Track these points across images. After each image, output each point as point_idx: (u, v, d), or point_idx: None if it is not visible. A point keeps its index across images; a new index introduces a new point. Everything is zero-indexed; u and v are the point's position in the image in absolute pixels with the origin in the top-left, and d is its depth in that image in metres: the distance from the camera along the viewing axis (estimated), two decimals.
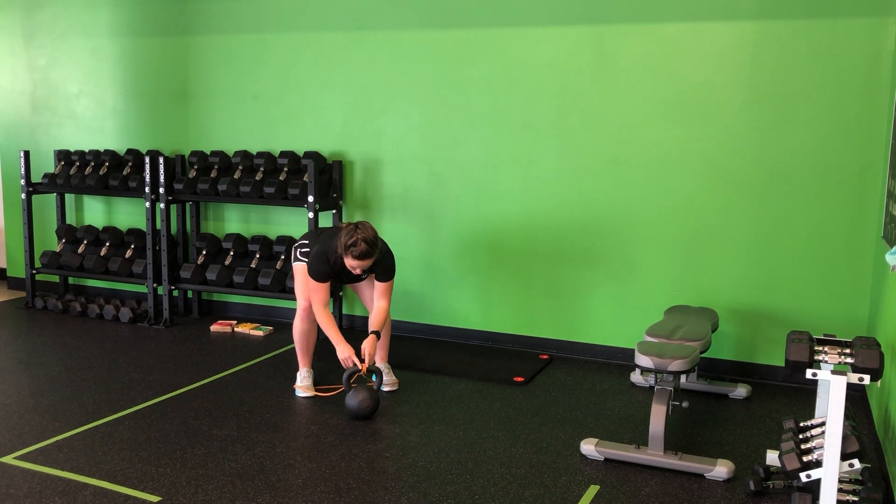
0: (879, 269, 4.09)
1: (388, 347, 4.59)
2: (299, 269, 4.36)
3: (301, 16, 5.64)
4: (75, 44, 6.42)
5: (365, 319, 5.71)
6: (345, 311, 5.82)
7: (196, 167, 5.95)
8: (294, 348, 5.18)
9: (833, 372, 2.84)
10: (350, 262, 4.06)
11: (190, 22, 5.99)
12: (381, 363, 4.54)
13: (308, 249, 4.34)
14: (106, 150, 6.26)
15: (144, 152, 6.19)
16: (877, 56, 4.31)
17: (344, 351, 4.16)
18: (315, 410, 4.16)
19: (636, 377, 4.65)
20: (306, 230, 5.71)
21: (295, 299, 5.47)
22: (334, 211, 5.67)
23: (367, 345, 4.18)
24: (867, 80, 4.35)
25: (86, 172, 6.20)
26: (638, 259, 4.94)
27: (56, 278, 6.74)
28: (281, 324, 5.87)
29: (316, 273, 4.16)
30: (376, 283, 4.28)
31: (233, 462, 3.52)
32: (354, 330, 5.71)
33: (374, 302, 4.31)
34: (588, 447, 3.62)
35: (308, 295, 4.30)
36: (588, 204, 5.02)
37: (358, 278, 4.37)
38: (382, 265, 4.23)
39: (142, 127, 6.29)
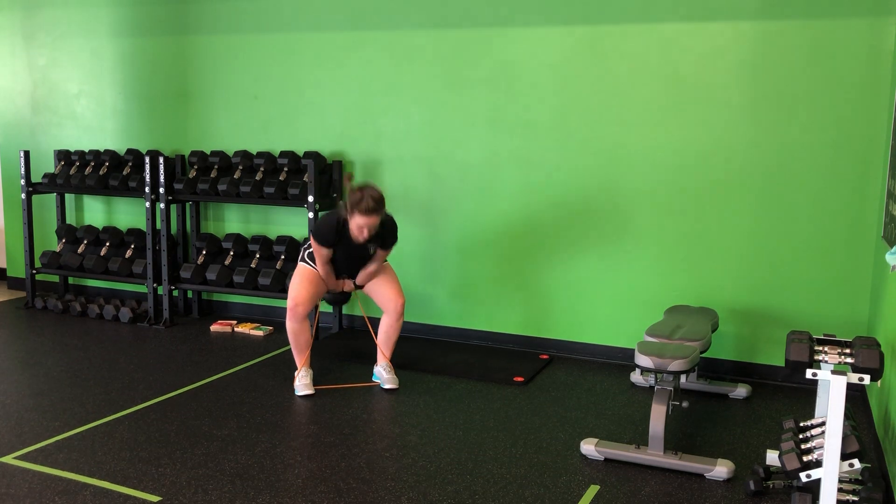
0: (879, 269, 4.09)
1: (393, 348, 4.59)
2: (298, 268, 4.38)
3: (301, 16, 5.64)
4: (75, 44, 6.42)
5: (371, 321, 5.72)
6: (345, 310, 5.82)
7: (196, 167, 5.95)
8: None
9: (833, 372, 2.84)
10: (357, 221, 4.07)
11: (190, 22, 5.99)
12: (383, 362, 4.54)
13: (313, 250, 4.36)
14: (106, 150, 6.26)
15: (144, 152, 6.19)
16: (877, 56, 4.31)
17: (328, 282, 4.43)
18: (315, 410, 4.16)
19: (636, 377, 4.65)
20: (306, 230, 5.71)
21: None
22: None
23: (346, 282, 4.48)
24: (867, 80, 4.34)
25: (86, 172, 6.20)
26: (638, 258, 4.94)
27: (56, 278, 6.74)
28: (281, 324, 5.87)
29: (322, 235, 4.21)
30: (378, 252, 4.35)
31: (233, 462, 3.52)
32: (354, 330, 5.71)
33: (368, 265, 4.41)
34: (588, 447, 3.62)
35: (296, 295, 4.32)
36: (588, 203, 5.02)
37: (362, 255, 4.35)
38: (388, 234, 4.30)
39: (142, 127, 6.29)
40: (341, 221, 4.19)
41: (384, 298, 4.45)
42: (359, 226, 4.10)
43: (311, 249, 4.39)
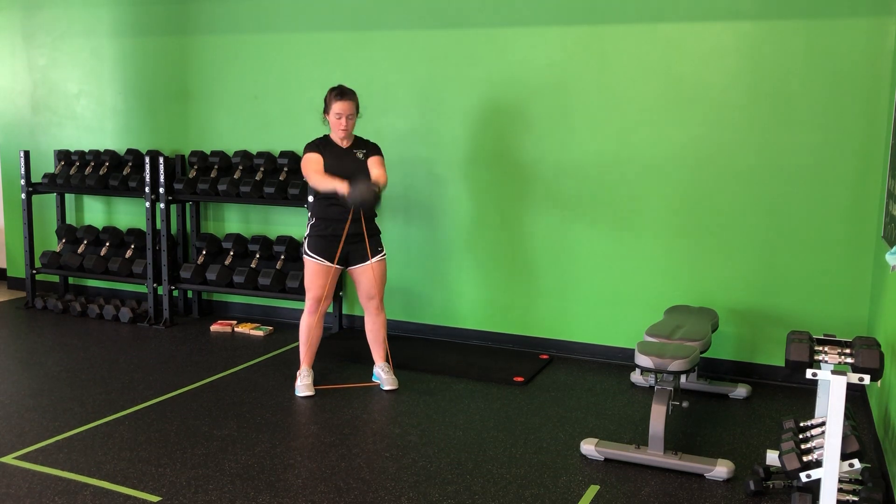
0: (879, 269, 4.09)
1: (387, 347, 4.59)
2: (306, 265, 4.37)
3: (301, 16, 5.64)
4: (75, 44, 6.42)
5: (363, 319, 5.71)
6: (345, 311, 5.82)
7: (196, 167, 5.95)
8: (296, 347, 5.20)
9: (833, 372, 2.84)
10: (336, 109, 4.24)
11: (190, 22, 5.99)
12: (380, 362, 4.54)
13: (309, 233, 4.36)
14: (106, 150, 6.26)
15: (144, 152, 6.19)
16: (877, 56, 4.31)
17: (344, 187, 4.04)
18: (315, 410, 4.16)
19: (636, 377, 4.66)
20: (306, 230, 5.71)
21: (295, 298, 5.50)
22: None
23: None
24: (867, 80, 4.34)
25: (86, 172, 6.20)
26: (638, 258, 4.94)
27: (56, 278, 6.74)
28: (281, 324, 5.87)
29: (308, 147, 4.33)
30: (370, 158, 4.37)
31: (233, 462, 3.52)
32: (354, 330, 5.71)
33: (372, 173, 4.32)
34: (588, 447, 3.62)
35: (317, 293, 4.32)
36: (588, 203, 5.01)
37: (355, 165, 4.28)
38: (368, 141, 4.45)
39: (142, 127, 6.29)
40: (325, 136, 4.37)
41: (363, 289, 4.43)
42: (337, 114, 4.24)
43: (306, 234, 4.38)
